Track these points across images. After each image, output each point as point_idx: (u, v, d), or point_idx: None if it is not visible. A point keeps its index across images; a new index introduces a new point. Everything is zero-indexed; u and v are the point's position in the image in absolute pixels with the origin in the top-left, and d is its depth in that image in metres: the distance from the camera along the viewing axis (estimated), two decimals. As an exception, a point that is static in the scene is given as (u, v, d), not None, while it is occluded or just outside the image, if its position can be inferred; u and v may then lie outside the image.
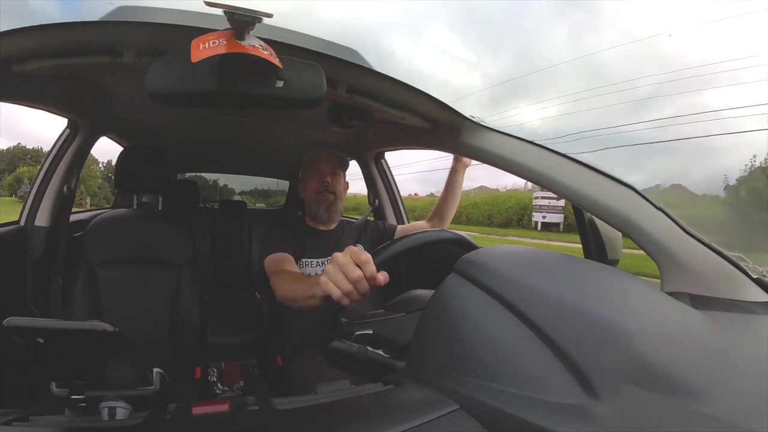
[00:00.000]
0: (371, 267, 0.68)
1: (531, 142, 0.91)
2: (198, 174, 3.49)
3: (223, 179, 4.69)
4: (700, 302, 0.65)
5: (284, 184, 3.65)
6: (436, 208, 1.60)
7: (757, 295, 0.68)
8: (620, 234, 0.90)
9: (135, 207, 2.39)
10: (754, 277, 0.70)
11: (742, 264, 0.71)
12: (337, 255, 0.70)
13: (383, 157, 2.00)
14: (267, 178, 4.17)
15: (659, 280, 0.76)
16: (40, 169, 1.52)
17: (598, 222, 1.07)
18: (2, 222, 1.46)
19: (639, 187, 0.79)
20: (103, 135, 1.67)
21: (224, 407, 0.55)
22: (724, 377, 0.41)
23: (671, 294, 0.67)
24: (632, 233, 0.78)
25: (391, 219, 2.00)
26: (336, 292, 0.67)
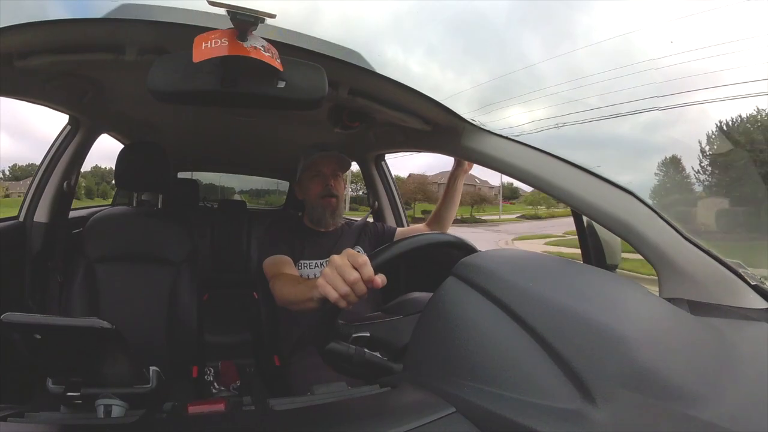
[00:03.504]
0: (368, 269, 0.68)
1: (531, 147, 0.91)
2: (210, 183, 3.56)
3: (223, 181, 4.73)
4: (698, 308, 0.65)
5: (270, 184, 3.67)
6: (436, 212, 1.59)
7: (755, 302, 0.68)
8: (619, 239, 0.91)
9: (134, 205, 2.39)
10: (752, 284, 0.70)
11: (740, 271, 0.71)
12: (335, 257, 0.70)
13: (383, 159, 2.00)
14: (258, 181, 4.22)
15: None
16: (40, 165, 1.52)
17: (597, 227, 1.07)
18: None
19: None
20: (104, 132, 1.67)
21: (220, 407, 0.55)
22: (721, 383, 0.41)
23: (670, 300, 0.67)
24: (631, 239, 0.78)
25: (391, 221, 2.00)
26: (333, 295, 0.67)
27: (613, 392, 0.40)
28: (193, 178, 3.01)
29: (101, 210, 1.59)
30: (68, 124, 1.49)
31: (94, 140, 1.58)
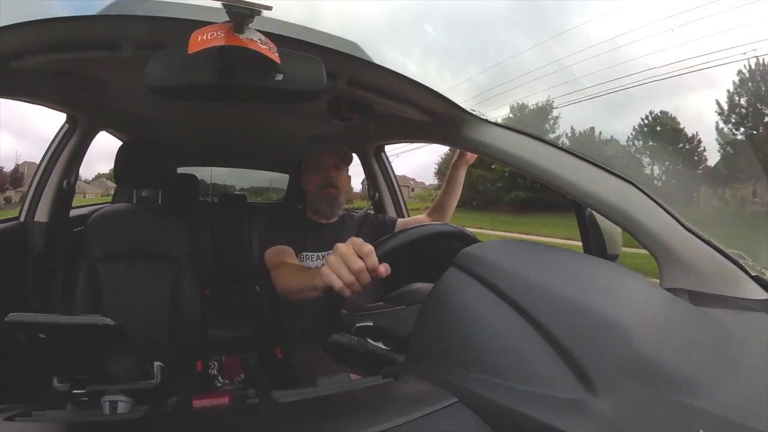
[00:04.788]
0: (373, 258, 0.68)
1: (532, 137, 0.91)
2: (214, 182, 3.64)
3: (225, 180, 4.79)
4: (698, 299, 0.65)
5: (266, 182, 3.71)
6: (437, 202, 1.59)
7: (756, 292, 0.68)
8: (620, 229, 0.90)
9: (135, 201, 2.39)
10: (752, 274, 0.70)
11: (741, 261, 0.71)
12: (340, 245, 0.70)
13: (383, 151, 2.00)
14: (257, 180, 4.27)
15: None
16: (39, 165, 1.52)
17: (598, 217, 1.07)
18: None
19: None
20: (103, 130, 1.66)
21: (224, 400, 0.56)
22: (721, 374, 0.42)
23: (670, 290, 0.67)
24: (632, 229, 0.78)
25: (391, 212, 2.00)
26: (338, 283, 0.68)
27: (614, 382, 0.40)
28: (200, 178, 3.02)
29: (102, 208, 1.59)
30: (66, 122, 1.48)
31: (93, 138, 1.58)
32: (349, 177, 1.52)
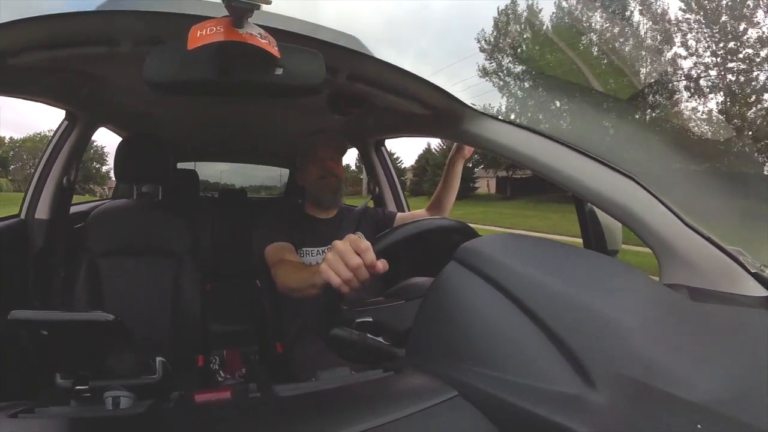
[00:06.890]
0: (371, 255, 0.69)
1: (532, 131, 0.91)
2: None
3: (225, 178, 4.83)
4: (698, 295, 0.65)
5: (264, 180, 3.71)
6: (435, 197, 1.59)
7: (755, 289, 0.68)
8: (620, 225, 0.90)
9: (135, 197, 2.38)
10: (752, 271, 0.69)
11: (740, 258, 0.71)
12: (337, 243, 0.71)
13: (383, 145, 1.99)
14: (257, 178, 4.32)
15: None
16: (39, 161, 1.51)
17: (598, 212, 1.07)
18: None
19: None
20: (102, 126, 1.65)
21: (226, 395, 0.56)
22: (719, 370, 0.42)
23: (670, 286, 0.67)
24: (632, 224, 0.78)
25: (391, 206, 2.00)
26: (336, 280, 0.68)
27: (612, 377, 0.40)
28: (210, 179, 3.02)
29: (102, 204, 1.59)
30: (65, 119, 1.47)
31: (92, 134, 1.58)
32: (343, 168, 1.52)
